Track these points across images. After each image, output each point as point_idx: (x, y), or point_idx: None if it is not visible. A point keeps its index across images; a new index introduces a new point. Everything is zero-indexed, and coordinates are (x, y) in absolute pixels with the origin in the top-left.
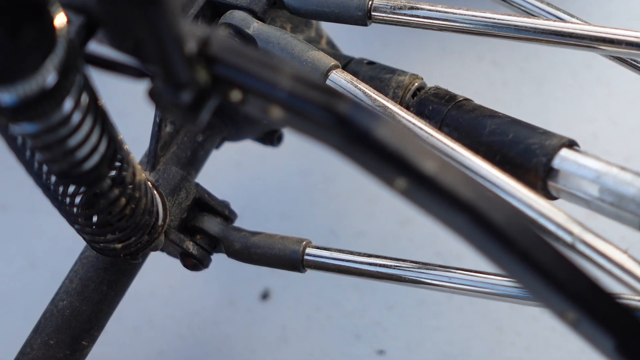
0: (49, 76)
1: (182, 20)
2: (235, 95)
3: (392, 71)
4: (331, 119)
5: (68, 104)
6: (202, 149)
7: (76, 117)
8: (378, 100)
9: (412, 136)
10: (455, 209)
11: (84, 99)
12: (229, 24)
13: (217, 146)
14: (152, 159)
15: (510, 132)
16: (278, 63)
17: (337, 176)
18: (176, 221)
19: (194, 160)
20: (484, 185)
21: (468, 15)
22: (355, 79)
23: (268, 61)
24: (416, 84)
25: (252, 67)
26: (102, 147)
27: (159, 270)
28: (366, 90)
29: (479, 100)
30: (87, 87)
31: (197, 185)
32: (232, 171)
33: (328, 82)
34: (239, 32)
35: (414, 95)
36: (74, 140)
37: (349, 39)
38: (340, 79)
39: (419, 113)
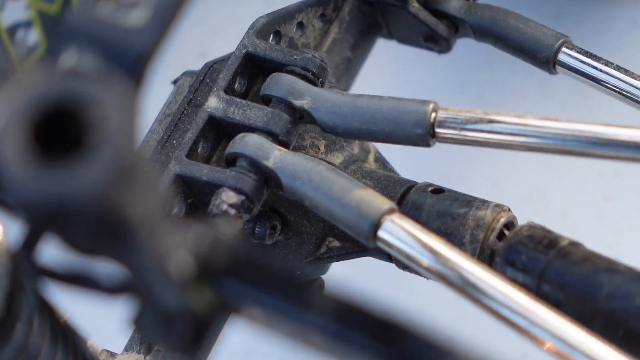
0: None
1: (169, 233)
2: (254, 315)
3: (468, 202)
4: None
5: (18, 334)
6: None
7: (32, 346)
8: (450, 261)
9: None
10: None
11: (39, 321)
12: (241, 154)
13: None
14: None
15: (637, 295)
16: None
17: None
18: None
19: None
20: None
21: (575, 130)
22: (416, 226)
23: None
24: (502, 219)
25: (273, 283)
26: None
27: None
28: (433, 246)
29: (579, 215)
30: (43, 304)
31: None
32: None
33: (381, 233)
34: (255, 165)
35: (500, 236)
36: None
37: None
38: (397, 229)
39: (509, 263)
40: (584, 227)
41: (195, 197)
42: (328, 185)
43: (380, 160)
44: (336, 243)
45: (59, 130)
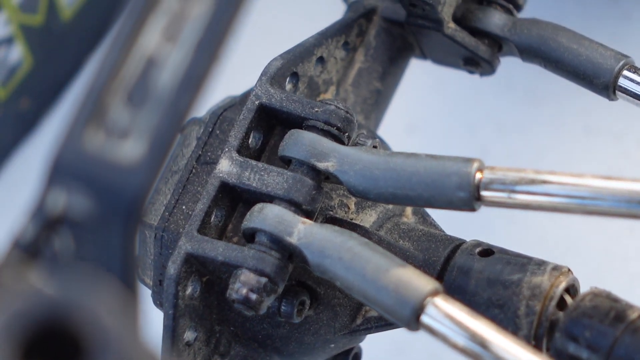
0: None
1: None
2: None
3: (522, 267)
4: None
5: None
6: None
7: None
8: (503, 350)
9: None
10: None
11: None
12: (260, 230)
13: None
14: None
15: None
16: None
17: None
18: None
19: None
20: None
21: None
22: (463, 308)
23: None
24: (561, 285)
25: None
26: None
27: None
28: (483, 334)
29: None
30: None
31: None
32: None
33: (425, 318)
34: (276, 242)
35: (560, 305)
36: None
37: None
38: (439, 315)
39: (572, 339)
40: None
41: (211, 275)
42: (361, 264)
43: (419, 212)
44: (373, 313)
45: (52, 350)
